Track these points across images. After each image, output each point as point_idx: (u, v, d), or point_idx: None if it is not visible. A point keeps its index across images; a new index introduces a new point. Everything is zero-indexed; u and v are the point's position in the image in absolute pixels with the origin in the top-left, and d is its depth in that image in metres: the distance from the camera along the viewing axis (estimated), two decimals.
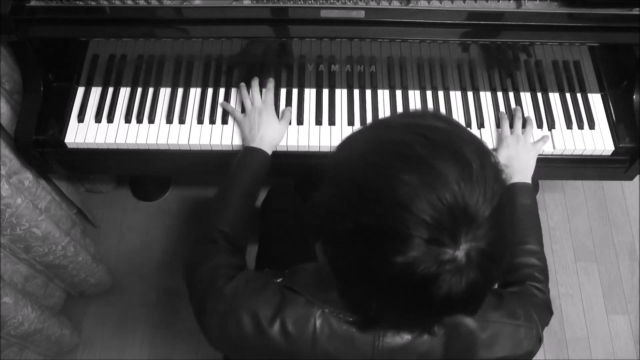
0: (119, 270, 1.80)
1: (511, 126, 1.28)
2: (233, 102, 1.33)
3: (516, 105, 1.33)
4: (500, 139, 1.27)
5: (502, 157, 1.21)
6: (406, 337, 0.73)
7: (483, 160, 0.61)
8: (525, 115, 1.31)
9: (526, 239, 1.07)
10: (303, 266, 0.84)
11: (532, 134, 1.28)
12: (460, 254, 0.57)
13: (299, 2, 1.17)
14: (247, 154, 1.17)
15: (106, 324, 1.74)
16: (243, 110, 1.29)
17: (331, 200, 0.64)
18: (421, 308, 0.63)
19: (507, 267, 1.05)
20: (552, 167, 1.32)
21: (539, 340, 0.85)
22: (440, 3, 1.18)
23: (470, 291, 0.60)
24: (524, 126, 1.28)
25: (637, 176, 1.37)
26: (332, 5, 1.17)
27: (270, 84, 1.30)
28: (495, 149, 1.26)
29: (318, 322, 0.74)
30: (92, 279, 1.65)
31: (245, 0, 1.18)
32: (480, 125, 1.31)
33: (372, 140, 0.66)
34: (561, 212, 1.95)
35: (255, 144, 1.19)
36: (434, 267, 0.57)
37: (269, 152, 1.19)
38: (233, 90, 1.34)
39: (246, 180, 1.11)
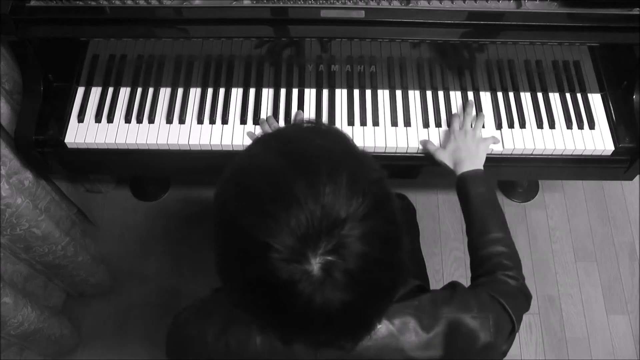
0: (119, 270, 1.80)
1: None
2: (233, 103, 1.32)
3: (516, 105, 1.33)
4: (449, 132, 1.26)
5: (449, 150, 1.20)
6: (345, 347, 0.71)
7: (337, 174, 0.59)
8: (479, 111, 1.31)
9: (487, 228, 1.04)
10: None
11: (480, 129, 1.26)
12: (312, 268, 0.56)
13: (299, 2, 1.17)
14: None
15: (106, 324, 1.74)
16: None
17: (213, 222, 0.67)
18: (300, 325, 0.61)
19: (476, 261, 1.03)
20: (552, 167, 1.33)
21: (512, 331, 0.84)
22: (440, 3, 1.18)
23: (342, 310, 0.58)
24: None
25: (637, 176, 1.36)
26: (332, 5, 1.17)
27: (300, 116, 1.30)
28: (444, 145, 1.25)
29: (258, 340, 0.75)
30: (92, 279, 1.65)
31: (245, 0, 1.18)
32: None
33: (236, 160, 0.68)
34: (561, 212, 1.95)
35: None
36: (286, 276, 0.56)
37: None
38: (233, 90, 1.34)
39: None
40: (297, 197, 0.57)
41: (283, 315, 0.60)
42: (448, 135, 1.26)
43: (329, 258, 0.56)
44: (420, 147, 1.28)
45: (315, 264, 0.56)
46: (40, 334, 1.44)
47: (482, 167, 1.15)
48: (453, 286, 0.86)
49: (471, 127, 1.26)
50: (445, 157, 1.20)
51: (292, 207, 0.57)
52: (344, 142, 0.66)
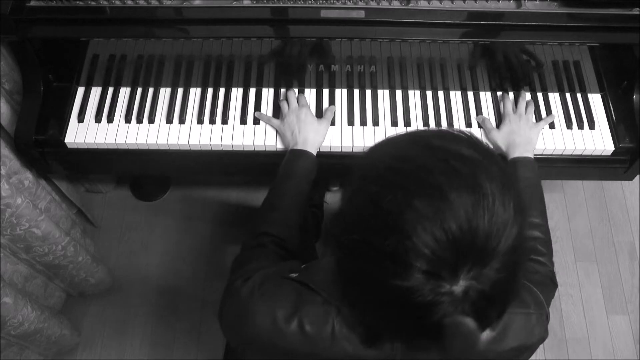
0: (119, 270, 1.80)
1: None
2: (233, 103, 1.33)
3: (517, 105, 1.33)
4: (503, 115, 1.29)
5: (504, 132, 1.23)
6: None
7: (505, 200, 0.58)
8: (528, 99, 1.33)
9: (529, 212, 1.06)
10: (319, 263, 0.84)
11: (533, 114, 1.29)
12: (457, 289, 0.56)
13: (299, 2, 1.17)
14: (294, 157, 1.16)
15: (106, 324, 1.74)
16: (274, 116, 1.30)
17: (346, 205, 0.65)
18: (414, 331, 0.62)
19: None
20: (552, 167, 1.32)
21: (547, 319, 0.85)
22: (440, 3, 1.18)
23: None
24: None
25: (637, 176, 1.36)
26: (332, 5, 1.17)
27: (302, 100, 1.30)
28: (497, 127, 1.28)
29: (337, 322, 0.74)
30: (92, 279, 1.65)
31: (245, 0, 1.18)
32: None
33: (397, 156, 0.65)
34: (561, 212, 1.95)
35: (300, 146, 1.18)
36: (430, 297, 0.56)
37: (314, 153, 1.19)
38: (233, 90, 1.34)
39: (295, 183, 1.11)
40: (464, 211, 0.56)
41: (410, 321, 0.61)
42: (502, 117, 1.28)
43: (472, 281, 0.56)
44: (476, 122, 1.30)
45: (460, 286, 0.56)
46: (40, 334, 1.44)
47: (532, 155, 1.19)
48: None
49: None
50: (499, 139, 1.23)
51: (457, 218, 0.56)
52: (499, 163, 0.64)
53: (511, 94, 1.34)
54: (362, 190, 0.64)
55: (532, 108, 1.30)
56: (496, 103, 1.34)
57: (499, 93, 1.35)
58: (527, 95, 1.33)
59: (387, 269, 0.57)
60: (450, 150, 0.62)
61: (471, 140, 0.64)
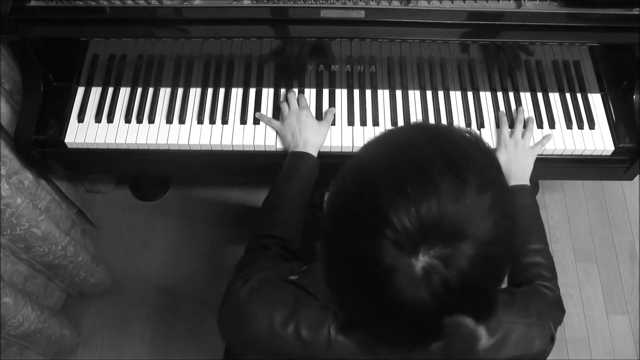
0: (119, 270, 1.80)
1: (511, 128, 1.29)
2: (233, 103, 1.33)
3: (516, 105, 1.33)
4: (499, 141, 1.27)
5: (501, 160, 1.21)
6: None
7: (484, 190, 0.58)
8: (527, 116, 1.31)
9: (529, 239, 1.07)
10: (318, 265, 0.84)
11: (531, 137, 1.28)
12: (417, 264, 0.56)
13: (299, 2, 1.17)
14: (295, 159, 1.17)
15: (106, 324, 1.74)
16: (274, 116, 1.31)
17: (338, 180, 0.66)
18: (378, 311, 0.61)
19: (515, 269, 1.05)
20: (552, 167, 1.32)
21: (552, 340, 0.84)
22: (440, 3, 1.18)
23: (421, 313, 0.58)
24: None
25: (637, 176, 1.36)
26: (332, 5, 1.17)
27: (303, 101, 1.30)
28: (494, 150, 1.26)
29: (332, 327, 0.73)
30: (92, 279, 1.65)
31: (245, 0, 1.18)
32: (480, 125, 1.31)
33: (394, 135, 0.67)
34: (561, 212, 1.95)
35: (300, 148, 1.19)
36: (389, 261, 0.56)
37: (315, 154, 1.19)
38: (233, 90, 1.34)
39: (296, 184, 1.11)
40: (438, 190, 0.56)
41: (364, 299, 0.61)
42: (497, 142, 1.27)
43: (435, 261, 0.56)
44: None
45: (420, 261, 0.56)
46: (40, 334, 1.44)
47: (528, 182, 1.18)
48: (511, 292, 0.86)
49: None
50: None
51: (430, 195, 0.56)
52: (498, 168, 0.65)
53: (512, 103, 1.34)
54: (353, 163, 0.66)
55: (530, 131, 1.27)
56: (496, 103, 1.33)
57: (499, 93, 1.35)
58: (526, 112, 1.31)
59: (360, 234, 0.59)
60: (447, 138, 0.64)
61: (475, 139, 0.65)
